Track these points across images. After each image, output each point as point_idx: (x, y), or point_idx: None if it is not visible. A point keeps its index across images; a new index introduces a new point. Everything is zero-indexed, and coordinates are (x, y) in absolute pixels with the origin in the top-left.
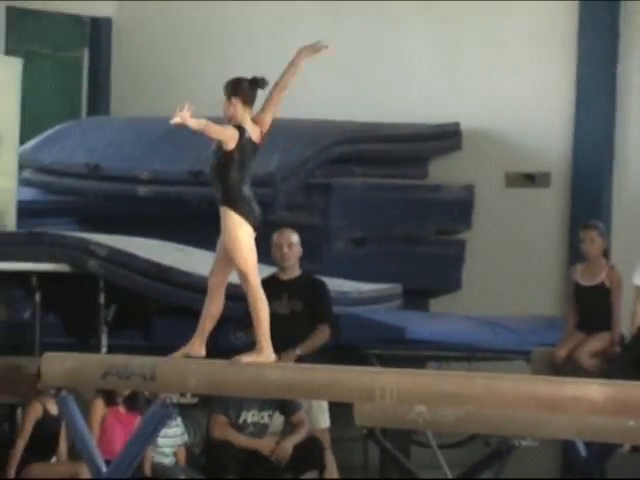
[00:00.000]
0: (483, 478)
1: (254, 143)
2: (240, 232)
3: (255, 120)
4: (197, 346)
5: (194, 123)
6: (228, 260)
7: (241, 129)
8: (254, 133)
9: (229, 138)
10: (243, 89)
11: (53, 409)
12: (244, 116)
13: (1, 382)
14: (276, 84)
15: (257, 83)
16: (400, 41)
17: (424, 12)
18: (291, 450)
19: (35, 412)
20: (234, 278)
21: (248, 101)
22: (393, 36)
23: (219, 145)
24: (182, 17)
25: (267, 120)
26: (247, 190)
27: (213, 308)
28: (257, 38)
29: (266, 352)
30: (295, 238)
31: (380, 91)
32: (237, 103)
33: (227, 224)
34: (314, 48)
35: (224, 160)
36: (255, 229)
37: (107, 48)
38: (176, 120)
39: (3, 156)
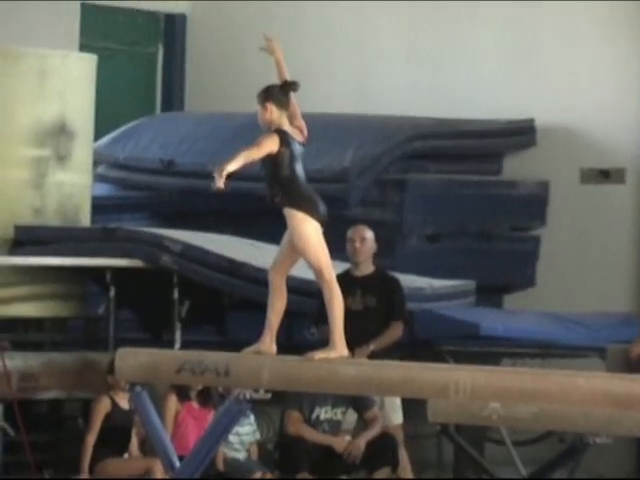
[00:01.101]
0: (557, 476)
1: (298, 142)
2: (306, 229)
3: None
4: (268, 343)
5: (233, 167)
6: (290, 257)
7: (280, 131)
8: (295, 134)
9: (270, 146)
10: (275, 94)
11: (123, 404)
12: (281, 119)
13: (76, 377)
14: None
15: (289, 86)
16: (475, 36)
17: (500, 6)
18: (364, 447)
19: (104, 407)
20: (309, 274)
21: (283, 105)
22: (468, 31)
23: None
24: (257, 13)
25: (301, 122)
26: (306, 187)
27: (278, 304)
28: (334, 34)
29: (339, 348)
30: (369, 234)
31: (454, 87)
32: (272, 108)
33: (292, 224)
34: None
35: (273, 164)
36: (322, 223)
37: (181, 44)
38: (218, 185)
39: (78, 152)
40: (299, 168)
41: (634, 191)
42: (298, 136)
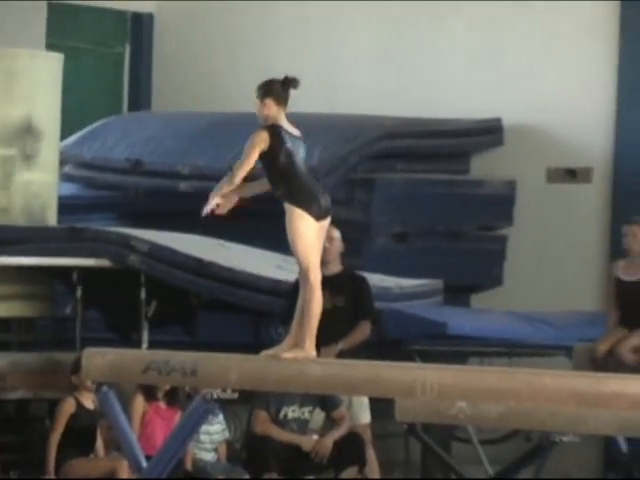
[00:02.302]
0: (524, 475)
1: (295, 137)
2: (301, 226)
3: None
4: (309, 348)
5: (227, 189)
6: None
7: (274, 126)
8: (292, 128)
9: (259, 144)
10: (275, 90)
11: (89, 404)
12: (279, 115)
13: (43, 377)
14: None
15: (289, 83)
16: (443, 36)
17: (467, 7)
18: (332, 446)
19: (68, 407)
20: (278, 274)
21: (281, 101)
22: (435, 31)
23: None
24: (224, 13)
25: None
26: (307, 183)
27: (317, 307)
28: (303, 33)
29: (308, 349)
30: (336, 233)
31: (422, 86)
32: (270, 104)
33: (289, 218)
34: None
35: (268, 160)
36: (322, 219)
37: (149, 44)
38: (208, 210)
39: (44, 152)
40: (298, 162)
41: (601, 190)
42: (295, 130)
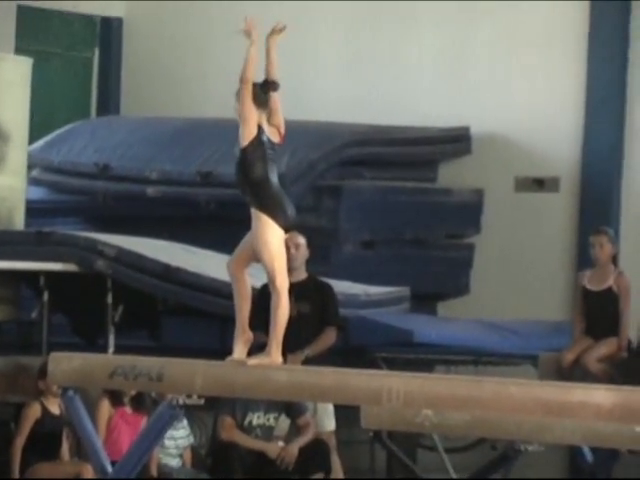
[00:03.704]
0: None
1: (273, 143)
2: (268, 233)
3: (269, 123)
4: (275, 353)
5: (253, 38)
6: (249, 255)
7: (258, 127)
8: (272, 134)
9: (249, 133)
10: (256, 92)
11: (54, 409)
12: (260, 118)
13: (8, 381)
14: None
15: (269, 86)
16: (411, 44)
17: (434, 15)
18: (297, 453)
19: (34, 412)
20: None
21: (262, 103)
22: (404, 39)
23: (240, 148)
24: (193, 18)
25: (280, 120)
26: (276, 191)
27: (243, 291)
28: None
29: (274, 356)
30: (301, 240)
31: (390, 94)
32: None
33: (255, 225)
34: (276, 30)
35: (244, 160)
36: (287, 230)
37: (117, 48)
38: (245, 29)
39: (12, 155)
40: (271, 169)
41: (568, 200)
42: (275, 136)
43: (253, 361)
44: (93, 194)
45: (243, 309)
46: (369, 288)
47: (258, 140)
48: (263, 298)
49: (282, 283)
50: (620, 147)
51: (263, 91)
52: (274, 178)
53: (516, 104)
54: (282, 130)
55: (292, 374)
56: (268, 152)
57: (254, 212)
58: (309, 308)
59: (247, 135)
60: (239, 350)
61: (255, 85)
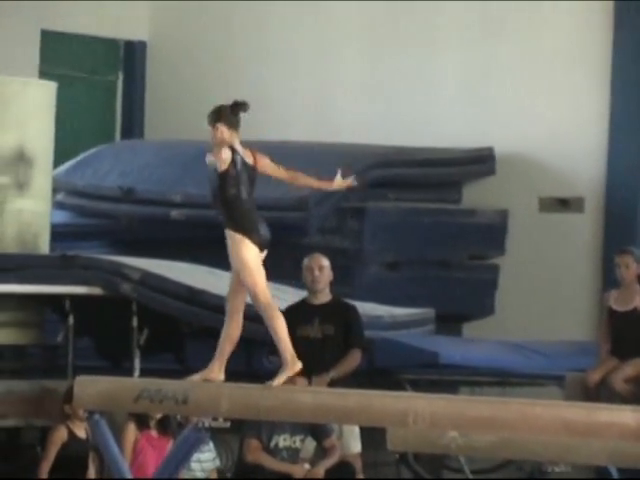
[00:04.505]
0: None
1: (248, 165)
2: (244, 251)
3: (250, 152)
4: (216, 371)
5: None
6: (239, 282)
7: (232, 149)
8: (247, 156)
9: (224, 159)
10: (226, 114)
11: (80, 433)
12: (232, 139)
13: (34, 405)
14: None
15: (238, 107)
16: (434, 66)
17: (457, 36)
18: (323, 475)
19: (60, 436)
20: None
21: (233, 125)
22: (427, 61)
23: (214, 169)
24: (216, 41)
25: (278, 174)
26: (248, 209)
27: (232, 331)
28: (293, 65)
29: (293, 365)
30: (326, 262)
31: (414, 115)
32: (222, 128)
33: (232, 246)
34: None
35: (220, 182)
36: (261, 248)
37: (141, 72)
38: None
39: (37, 179)
40: (244, 189)
41: (592, 220)
42: (249, 158)
43: (280, 380)
44: (117, 217)
45: (226, 348)
46: (393, 310)
47: (232, 161)
48: (288, 319)
49: (266, 298)
50: None
51: (233, 113)
52: (247, 197)
53: (540, 124)
54: (261, 169)
55: (317, 396)
56: (242, 174)
57: (228, 232)
58: (334, 330)
59: (223, 158)
60: (215, 369)
61: (225, 107)
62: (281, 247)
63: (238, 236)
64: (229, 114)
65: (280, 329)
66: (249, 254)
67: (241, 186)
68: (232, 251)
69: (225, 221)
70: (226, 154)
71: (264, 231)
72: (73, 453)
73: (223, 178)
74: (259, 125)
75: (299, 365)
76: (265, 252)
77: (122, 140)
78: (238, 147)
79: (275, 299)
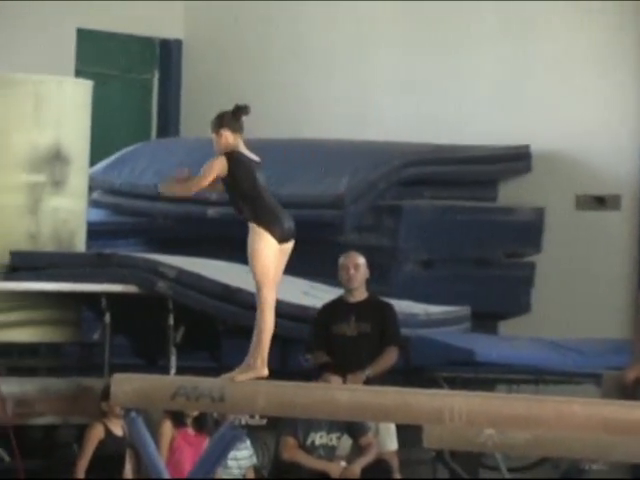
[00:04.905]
0: None
1: (256, 162)
2: (261, 244)
3: None
4: (261, 366)
5: (179, 189)
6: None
7: (233, 153)
8: (252, 156)
9: (217, 170)
10: (228, 120)
11: (117, 430)
12: (236, 142)
13: (71, 403)
14: None
15: (240, 111)
16: (470, 64)
17: (494, 34)
18: (359, 473)
19: (97, 434)
20: (304, 299)
21: (236, 129)
22: (463, 59)
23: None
24: (252, 39)
25: None
26: (270, 203)
27: (271, 323)
28: (332, 62)
29: (260, 369)
30: (361, 260)
31: (449, 113)
32: (226, 133)
33: (250, 236)
34: None
35: (232, 186)
36: (284, 240)
37: (177, 70)
38: (162, 189)
39: (73, 178)
40: (261, 184)
41: (629, 218)
42: (255, 157)
43: (239, 376)
44: (153, 216)
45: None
46: (429, 307)
47: (235, 163)
48: (324, 317)
49: (267, 296)
50: None
51: (235, 117)
52: (266, 192)
53: (576, 121)
54: None
55: (354, 394)
56: (253, 169)
57: (250, 225)
58: (370, 328)
59: (221, 167)
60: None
61: (227, 113)
62: (317, 245)
63: (258, 229)
64: (232, 119)
65: (266, 330)
66: (266, 248)
67: (256, 182)
68: (249, 241)
69: (247, 215)
70: (220, 164)
71: (288, 224)
72: (110, 451)
73: (231, 181)
74: (297, 125)
75: (265, 372)
76: (291, 242)
77: (158, 138)
78: (243, 149)
79: (311, 297)
